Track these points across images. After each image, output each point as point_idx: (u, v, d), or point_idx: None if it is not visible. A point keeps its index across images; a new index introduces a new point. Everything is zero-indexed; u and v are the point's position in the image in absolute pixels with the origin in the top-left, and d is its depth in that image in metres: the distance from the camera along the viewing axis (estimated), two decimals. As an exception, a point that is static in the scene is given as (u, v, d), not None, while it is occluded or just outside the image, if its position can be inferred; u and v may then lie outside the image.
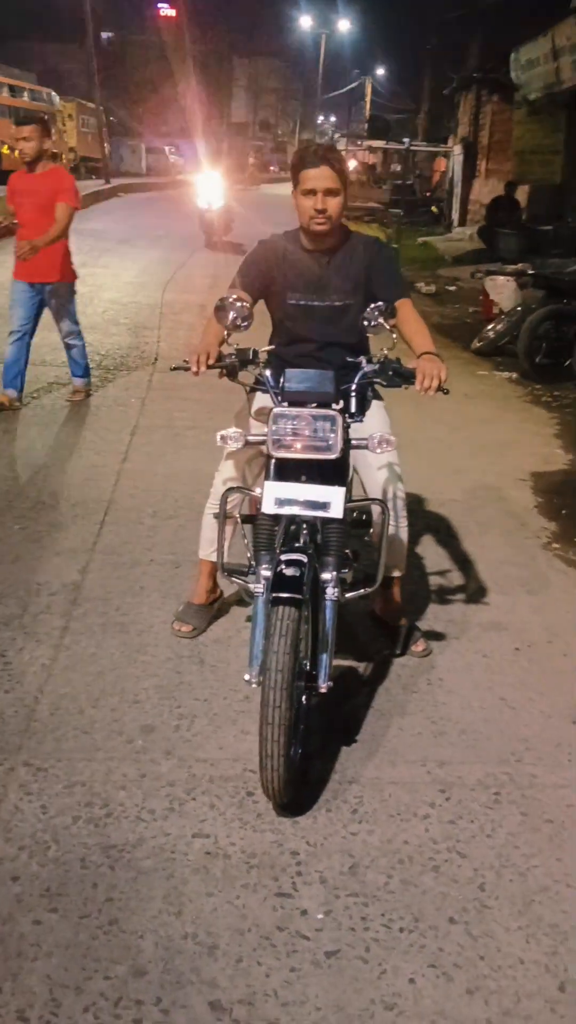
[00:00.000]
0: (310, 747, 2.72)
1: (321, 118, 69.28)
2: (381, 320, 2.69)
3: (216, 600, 3.51)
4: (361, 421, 2.69)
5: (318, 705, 2.76)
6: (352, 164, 27.92)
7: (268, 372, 2.71)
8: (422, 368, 2.67)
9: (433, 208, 23.91)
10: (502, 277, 9.26)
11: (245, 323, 2.70)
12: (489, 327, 8.70)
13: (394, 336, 2.80)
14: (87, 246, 15.41)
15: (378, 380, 2.70)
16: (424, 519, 4.57)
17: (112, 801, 2.50)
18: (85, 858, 2.29)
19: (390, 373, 2.69)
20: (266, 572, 2.56)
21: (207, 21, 56.91)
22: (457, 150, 21.66)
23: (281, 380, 2.61)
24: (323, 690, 2.48)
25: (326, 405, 2.56)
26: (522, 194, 16.74)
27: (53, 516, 4.38)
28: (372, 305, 2.69)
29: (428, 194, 25.87)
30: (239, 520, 3.10)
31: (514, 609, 3.77)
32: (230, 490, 2.91)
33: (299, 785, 2.52)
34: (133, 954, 2.03)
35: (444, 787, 2.65)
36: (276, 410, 2.52)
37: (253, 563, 3.06)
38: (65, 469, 5.04)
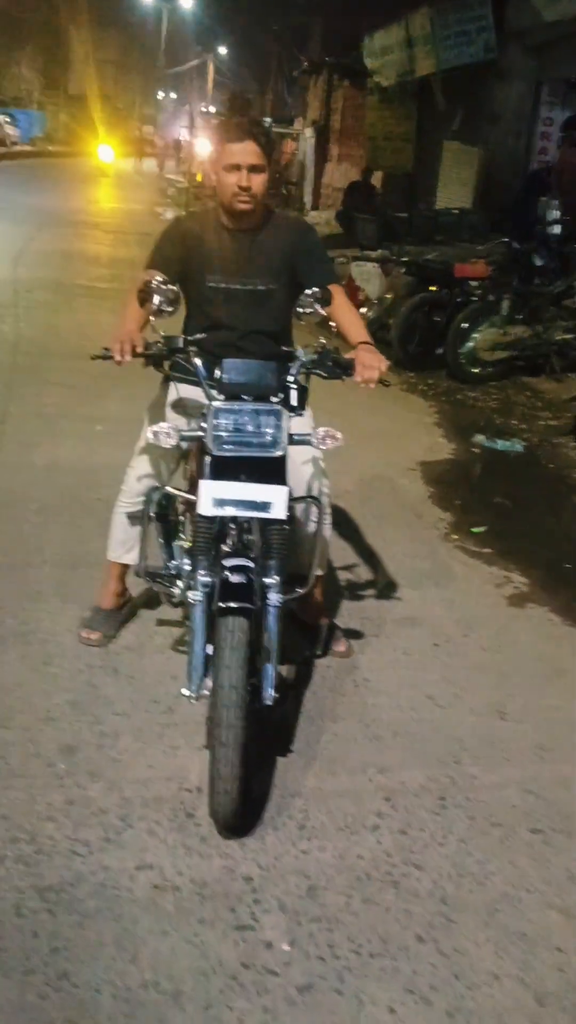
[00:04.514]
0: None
1: (162, 93, 68.08)
2: (317, 307, 2.55)
3: (126, 604, 3.28)
4: (302, 415, 2.55)
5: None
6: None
7: (198, 361, 2.52)
8: (361, 359, 2.57)
9: (284, 190, 23.86)
10: (369, 263, 9.28)
11: (171, 308, 2.50)
12: (359, 313, 8.70)
13: (332, 326, 2.68)
14: None
15: (317, 371, 2.56)
16: (323, 510, 4.48)
17: (40, 834, 2.26)
18: (20, 904, 2.06)
19: (329, 364, 2.56)
20: (205, 578, 2.38)
21: (43, -14, 54.57)
22: (309, 133, 21.70)
23: (217, 371, 2.42)
24: (268, 703, 2.33)
25: (264, 398, 2.40)
26: (376, 180, 16.93)
27: None
28: (308, 291, 2.55)
29: (277, 175, 25.83)
30: (152, 518, 2.91)
31: (426, 603, 3.73)
32: (155, 490, 2.69)
33: (244, 804, 2.37)
34: (91, 1011, 1.83)
35: (388, 794, 2.56)
36: (216, 404, 2.34)
37: (175, 564, 2.88)
38: None
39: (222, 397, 2.39)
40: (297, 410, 2.47)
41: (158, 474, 2.99)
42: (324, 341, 2.58)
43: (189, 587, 2.67)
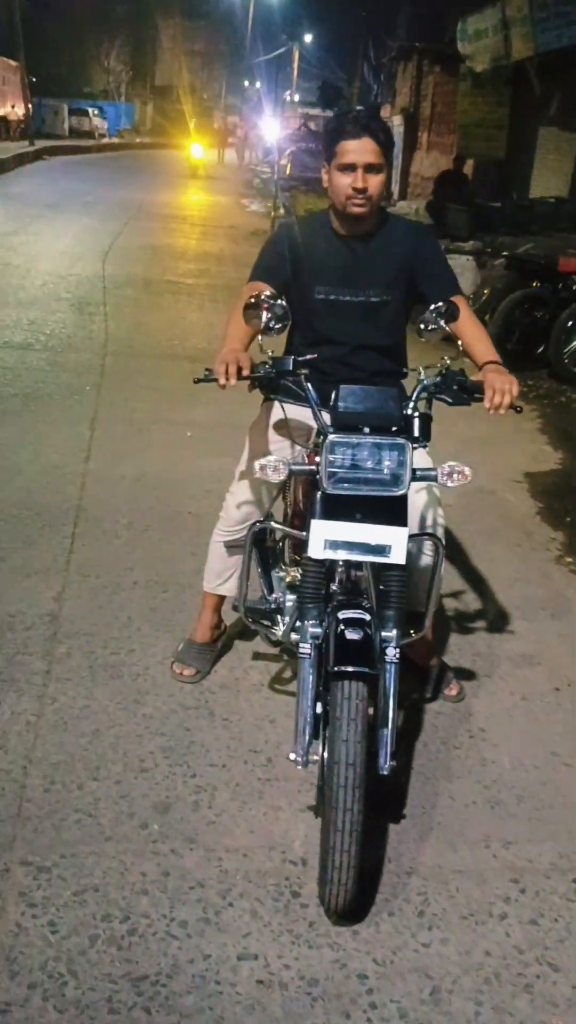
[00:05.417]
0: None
1: (247, 83, 67.95)
2: (441, 322, 2.28)
3: (220, 637, 3.07)
4: (426, 447, 2.28)
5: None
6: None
7: (310, 386, 2.27)
8: (491, 382, 2.28)
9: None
10: (463, 256, 8.91)
11: (279, 325, 2.24)
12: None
13: (459, 344, 2.41)
14: (15, 211, 14.65)
15: (443, 396, 2.28)
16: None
17: (134, 912, 2.05)
18: (113, 998, 1.85)
19: (455, 388, 2.28)
20: (315, 629, 2.14)
21: (131, -22, 54.90)
22: (397, 121, 21.20)
23: (332, 397, 2.16)
24: (385, 772, 2.07)
25: (384, 428, 2.13)
26: (467, 169, 16.43)
27: (16, 528, 3.85)
28: (432, 307, 2.27)
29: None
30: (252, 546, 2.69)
31: (542, 638, 3.42)
32: (258, 524, 2.45)
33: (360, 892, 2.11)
34: None
35: (516, 875, 2.28)
36: (332, 437, 2.08)
37: (274, 598, 2.65)
38: (23, 471, 4.49)
39: (331, 427, 2.14)
40: (421, 441, 2.20)
41: (259, 501, 2.76)
42: (448, 361, 2.31)
43: (294, 630, 2.44)
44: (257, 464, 2.18)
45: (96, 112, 43.22)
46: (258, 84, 71.98)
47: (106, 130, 44.04)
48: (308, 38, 57.48)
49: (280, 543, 2.94)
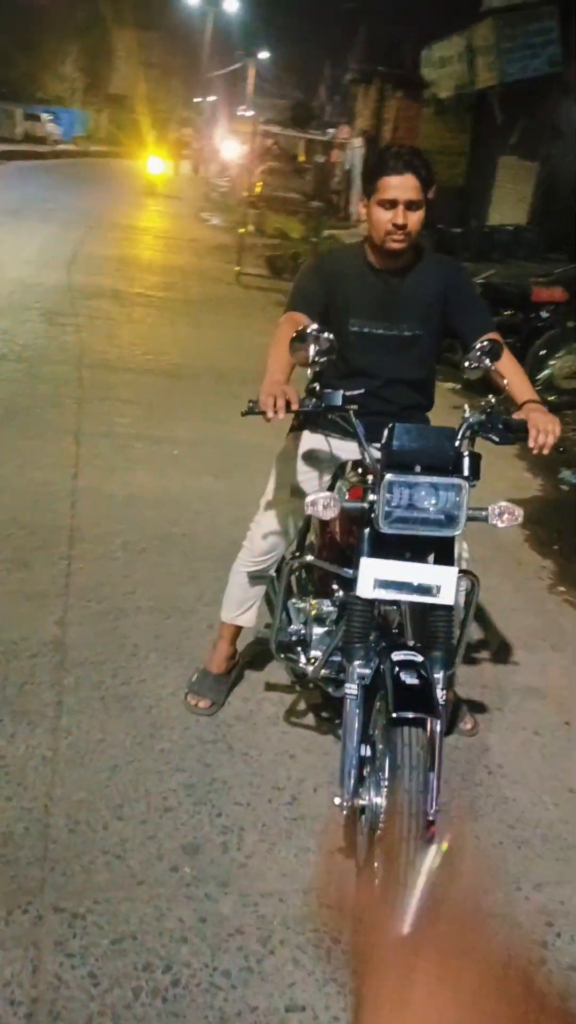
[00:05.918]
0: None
1: (200, 98, 68.01)
2: (487, 361, 2.28)
3: (235, 667, 3.01)
4: (474, 486, 2.26)
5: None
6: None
7: (358, 422, 2.24)
8: (535, 421, 2.28)
9: (332, 199, 23.54)
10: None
11: (324, 359, 2.22)
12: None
13: (505, 382, 2.40)
14: (-24, 217, 14.36)
15: (489, 436, 2.28)
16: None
17: (175, 961, 1.99)
18: (164, 1056, 1.78)
19: (500, 426, 2.28)
20: (363, 670, 2.11)
21: (88, -15, 54.53)
22: (358, 143, 21.37)
23: (386, 436, 2.14)
24: (431, 818, 2.04)
25: (436, 467, 2.12)
26: (430, 194, 16.64)
27: (9, 550, 3.74)
28: (477, 345, 2.27)
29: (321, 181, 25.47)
30: (273, 577, 2.67)
31: (544, 670, 3.43)
32: (295, 558, 2.41)
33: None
34: None
35: (549, 918, 2.26)
36: (391, 476, 2.06)
37: (295, 630, 2.61)
38: (8, 487, 4.37)
39: (379, 464, 2.12)
40: (471, 480, 2.19)
41: (285, 532, 2.73)
42: (493, 399, 2.30)
43: (326, 665, 2.41)
44: (308, 500, 2.14)
45: (50, 117, 42.74)
46: (212, 98, 72.16)
47: (60, 136, 43.56)
48: (264, 55, 57.76)
49: (298, 573, 2.91)
